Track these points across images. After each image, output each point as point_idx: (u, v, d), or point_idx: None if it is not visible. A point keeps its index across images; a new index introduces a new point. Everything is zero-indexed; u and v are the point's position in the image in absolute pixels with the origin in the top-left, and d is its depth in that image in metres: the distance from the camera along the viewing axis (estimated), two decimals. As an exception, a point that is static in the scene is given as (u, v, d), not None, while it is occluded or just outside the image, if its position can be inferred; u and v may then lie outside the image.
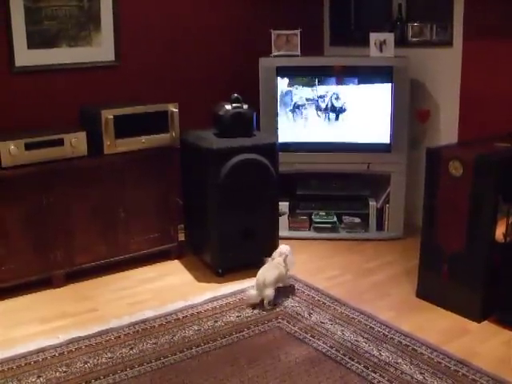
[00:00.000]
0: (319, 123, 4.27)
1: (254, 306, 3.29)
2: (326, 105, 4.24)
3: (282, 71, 4.20)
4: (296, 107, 4.27)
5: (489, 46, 3.78)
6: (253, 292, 3.29)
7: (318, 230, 4.35)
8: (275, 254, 3.47)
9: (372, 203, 4.32)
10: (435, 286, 3.31)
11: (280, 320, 3.16)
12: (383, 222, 4.33)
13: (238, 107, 3.68)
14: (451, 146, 3.59)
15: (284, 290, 3.46)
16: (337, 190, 4.42)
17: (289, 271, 3.47)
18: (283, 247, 3.50)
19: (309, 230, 4.37)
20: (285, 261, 3.43)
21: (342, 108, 4.23)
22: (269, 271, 3.33)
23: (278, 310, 3.27)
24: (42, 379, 2.64)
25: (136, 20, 4.07)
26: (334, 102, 4.22)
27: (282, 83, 4.22)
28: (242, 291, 3.43)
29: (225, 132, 3.68)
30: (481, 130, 3.76)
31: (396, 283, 3.61)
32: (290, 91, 4.24)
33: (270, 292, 3.27)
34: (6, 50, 3.62)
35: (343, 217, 4.39)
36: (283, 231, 4.08)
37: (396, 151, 4.18)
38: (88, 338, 2.97)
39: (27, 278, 3.47)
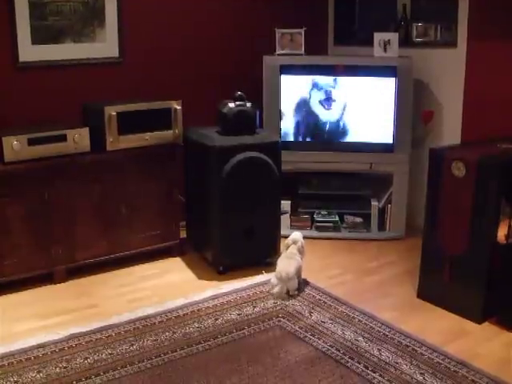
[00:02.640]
0: (321, 122, 4.27)
1: (277, 299, 3.35)
2: (329, 104, 4.24)
3: (285, 70, 4.20)
4: (298, 106, 4.27)
5: (493, 47, 3.78)
6: (277, 289, 3.35)
7: (319, 229, 4.35)
8: (289, 241, 3.49)
9: (374, 203, 4.31)
10: (436, 287, 3.30)
11: (280, 318, 3.15)
12: (385, 221, 4.32)
13: (241, 105, 3.68)
14: (454, 147, 3.58)
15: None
16: (339, 189, 4.41)
17: (302, 258, 3.50)
18: (296, 234, 3.53)
19: (310, 229, 4.37)
20: (299, 249, 3.46)
21: (344, 107, 4.23)
22: (288, 266, 3.36)
23: (278, 308, 3.27)
24: (42, 374, 2.65)
25: (140, 16, 4.06)
26: (337, 101, 4.22)
27: (286, 82, 4.22)
28: (251, 287, 3.48)
29: (228, 130, 3.67)
30: (484, 130, 3.75)
31: (397, 283, 3.61)
32: (293, 91, 4.24)
33: (293, 283, 3.36)
34: (10, 45, 3.62)
35: (345, 216, 4.38)
36: (285, 230, 4.07)
37: (399, 151, 4.18)
38: (88, 333, 2.97)
39: (28, 274, 3.48)
